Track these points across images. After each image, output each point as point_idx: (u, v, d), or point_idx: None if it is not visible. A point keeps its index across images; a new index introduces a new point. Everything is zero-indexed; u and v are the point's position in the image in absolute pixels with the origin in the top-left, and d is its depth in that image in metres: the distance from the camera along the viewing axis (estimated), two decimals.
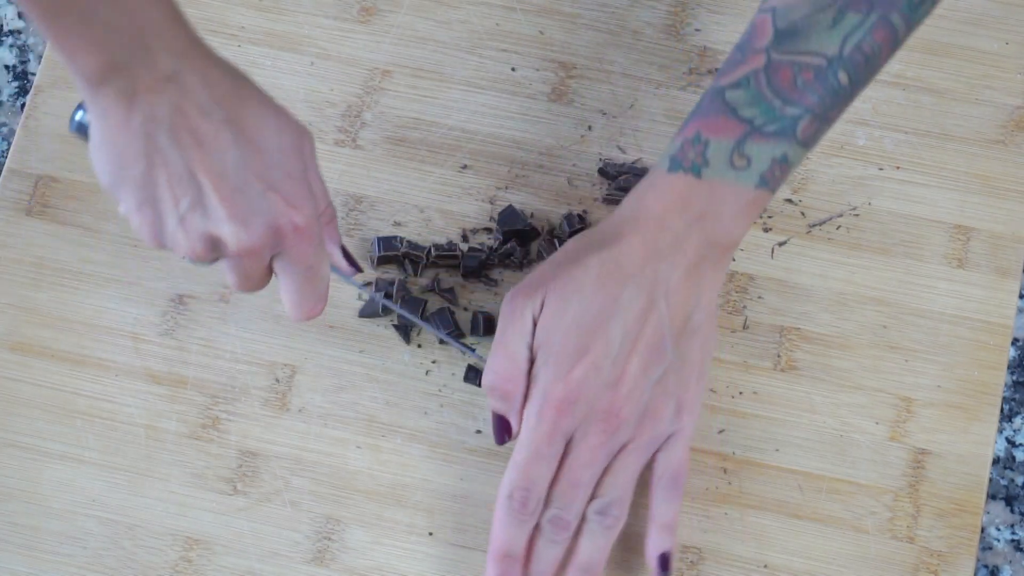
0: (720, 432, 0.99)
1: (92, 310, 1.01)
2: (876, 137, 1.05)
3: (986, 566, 0.98)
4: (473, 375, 0.99)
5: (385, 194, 1.04)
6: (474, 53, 1.07)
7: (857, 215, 1.03)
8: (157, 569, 0.96)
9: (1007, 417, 1.01)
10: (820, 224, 1.03)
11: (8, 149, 1.06)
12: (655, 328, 0.92)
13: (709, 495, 0.98)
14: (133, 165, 0.85)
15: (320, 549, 0.97)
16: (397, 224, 1.03)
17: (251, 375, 1.00)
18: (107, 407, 0.99)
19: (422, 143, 1.05)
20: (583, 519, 0.94)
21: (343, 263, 0.94)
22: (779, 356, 1.00)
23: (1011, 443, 1.01)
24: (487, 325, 1.00)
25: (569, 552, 0.94)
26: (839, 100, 0.92)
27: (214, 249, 0.88)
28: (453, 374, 1.00)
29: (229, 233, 0.86)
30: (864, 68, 0.92)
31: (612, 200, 1.03)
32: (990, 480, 0.99)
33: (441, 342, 1.00)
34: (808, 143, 0.93)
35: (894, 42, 0.92)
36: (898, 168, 1.04)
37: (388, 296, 1.00)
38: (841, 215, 1.03)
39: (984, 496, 0.98)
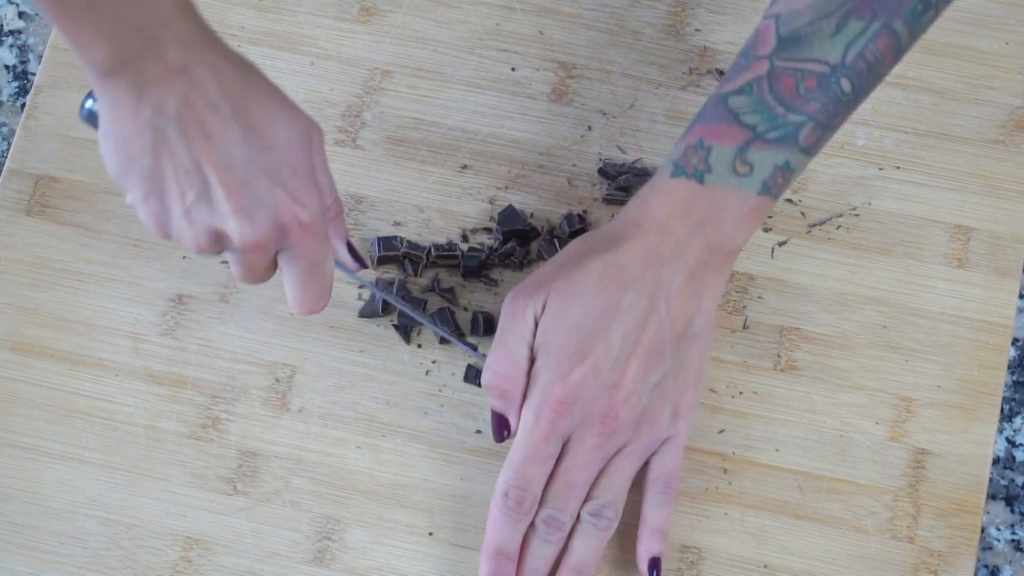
0: (720, 432, 0.99)
1: (92, 310, 1.01)
2: (876, 137, 1.05)
3: (986, 566, 0.98)
4: (473, 375, 0.99)
5: (385, 194, 1.04)
6: (474, 53, 1.07)
7: (857, 215, 1.03)
8: (157, 569, 0.96)
9: (1007, 417, 1.01)
10: (820, 224, 1.03)
11: (8, 149, 1.06)
12: (655, 333, 0.93)
13: (709, 495, 0.98)
14: (140, 156, 0.85)
15: (320, 549, 0.97)
16: (397, 224, 1.03)
17: (251, 375, 1.00)
18: (107, 407, 0.99)
19: (422, 143, 1.05)
20: (577, 520, 0.94)
21: (348, 259, 0.94)
22: (779, 356, 1.00)
23: (1011, 443, 1.01)
24: (487, 325, 1.00)
25: (561, 552, 0.94)
26: (842, 108, 0.92)
27: (219, 242, 0.88)
28: (453, 374, 1.00)
29: (234, 228, 0.86)
30: (867, 76, 0.92)
31: (612, 200, 1.03)
32: (990, 480, 0.99)
33: (441, 341, 1.00)
34: (811, 150, 0.93)
35: (897, 50, 0.92)
36: (898, 168, 1.04)
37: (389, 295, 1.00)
38: (841, 215, 1.03)
39: (984, 496, 0.98)
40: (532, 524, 0.94)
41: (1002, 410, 1.01)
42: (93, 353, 1.00)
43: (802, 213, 1.03)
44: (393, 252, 1.01)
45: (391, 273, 1.02)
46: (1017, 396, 1.01)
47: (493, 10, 1.07)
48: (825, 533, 0.97)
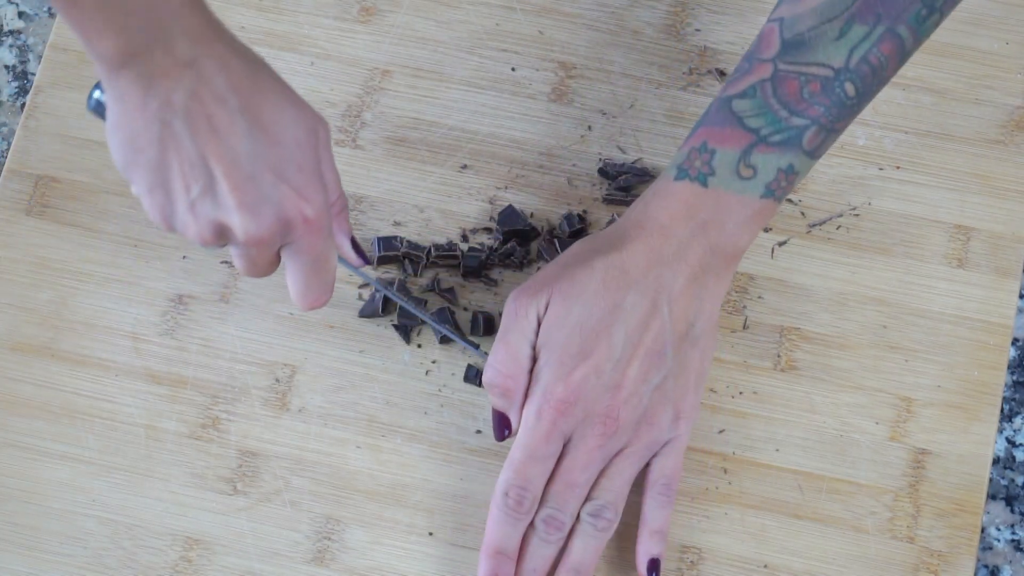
0: (720, 432, 0.99)
1: (92, 310, 1.01)
2: (876, 137, 1.05)
3: (986, 566, 0.98)
4: (473, 375, 0.99)
5: (385, 194, 1.04)
6: (474, 53, 1.07)
7: (857, 215, 1.03)
8: (157, 569, 0.96)
9: (1007, 417, 1.01)
10: (820, 224, 1.03)
11: (8, 149, 1.06)
12: (657, 334, 0.93)
13: (709, 495, 0.98)
14: (147, 149, 0.85)
15: (320, 549, 0.97)
16: (397, 224, 1.03)
17: (251, 375, 1.00)
18: (107, 407, 0.99)
19: (422, 143, 1.05)
20: (577, 520, 0.94)
21: (352, 254, 0.94)
22: (779, 356, 1.00)
23: (1011, 443, 1.01)
24: (487, 325, 1.00)
25: (561, 552, 0.94)
26: (845, 111, 0.92)
27: (222, 236, 0.88)
28: (453, 374, 1.00)
29: (238, 222, 0.86)
30: (871, 79, 0.92)
31: (612, 200, 1.03)
32: (990, 480, 0.99)
33: (442, 341, 1.00)
34: (814, 154, 0.93)
35: (901, 54, 0.92)
36: (898, 168, 1.04)
37: (388, 296, 1.00)
38: (841, 215, 1.03)
39: (984, 496, 0.97)
40: (532, 523, 0.94)
41: (1002, 410, 1.01)
42: (93, 353, 1.00)
43: (802, 213, 1.03)
44: (393, 252, 1.01)
45: (391, 273, 1.02)
46: (1017, 396, 1.01)
47: (493, 10, 1.07)
48: (825, 533, 0.97)
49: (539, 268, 1.02)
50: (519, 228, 1.02)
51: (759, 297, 1.01)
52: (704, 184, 0.93)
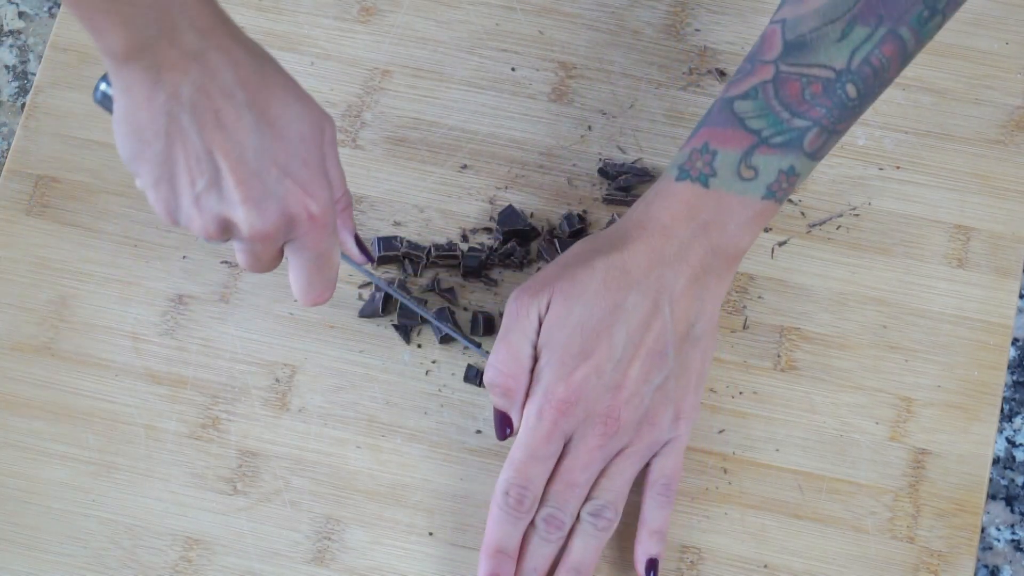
0: (720, 432, 0.99)
1: (92, 310, 1.01)
2: (876, 137, 1.05)
3: (986, 566, 0.98)
4: (473, 375, 0.99)
5: (385, 194, 1.04)
6: (474, 53, 1.07)
7: (857, 215, 1.03)
8: (157, 569, 0.96)
9: (1007, 417, 1.01)
10: (820, 224, 1.03)
11: (8, 149, 1.06)
12: (658, 334, 0.93)
13: (709, 495, 0.98)
14: (153, 142, 0.85)
15: (320, 549, 0.97)
16: (397, 224, 1.03)
17: (251, 375, 1.00)
18: (107, 407, 0.99)
19: (422, 143, 1.05)
20: (577, 519, 0.94)
21: (355, 251, 0.94)
22: (779, 356, 1.00)
23: (1011, 443, 1.01)
24: (487, 325, 1.00)
25: (560, 551, 0.94)
26: (847, 113, 0.92)
27: (227, 231, 0.88)
28: (453, 374, 1.00)
29: (242, 217, 0.86)
30: (873, 81, 0.92)
31: (612, 200, 1.03)
32: (990, 480, 0.99)
33: (442, 340, 1.00)
34: (816, 155, 0.93)
35: (903, 56, 0.92)
36: (898, 168, 1.04)
37: (388, 297, 1.00)
38: (841, 215, 1.03)
39: (984, 496, 0.98)
40: (532, 523, 0.94)
41: (1002, 410, 1.01)
42: (93, 353, 1.00)
43: (802, 213, 1.03)
44: (393, 252, 1.01)
45: (391, 273, 1.02)
46: (1017, 396, 1.01)
47: (493, 10, 1.07)
48: (825, 533, 0.97)
49: (539, 268, 1.02)
50: (519, 228, 1.02)
51: (759, 297, 1.01)
52: (705, 185, 0.93)
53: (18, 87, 1.08)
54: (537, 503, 0.93)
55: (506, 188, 1.04)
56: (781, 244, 1.03)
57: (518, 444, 0.93)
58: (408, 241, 1.02)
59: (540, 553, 0.94)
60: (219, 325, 1.01)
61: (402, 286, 1.01)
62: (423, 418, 0.99)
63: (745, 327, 1.01)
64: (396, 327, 1.00)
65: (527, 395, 0.93)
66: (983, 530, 0.98)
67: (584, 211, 1.03)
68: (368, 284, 1.02)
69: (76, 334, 1.01)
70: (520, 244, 1.02)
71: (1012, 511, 0.99)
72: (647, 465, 0.95)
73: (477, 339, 1.00)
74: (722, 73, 1.06)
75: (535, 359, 0.93)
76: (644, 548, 0.95)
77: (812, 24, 0.92)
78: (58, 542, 0.97)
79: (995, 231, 1.02)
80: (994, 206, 1.03)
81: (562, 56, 1.06)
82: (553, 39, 1.07)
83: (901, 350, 1.00)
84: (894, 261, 1.02)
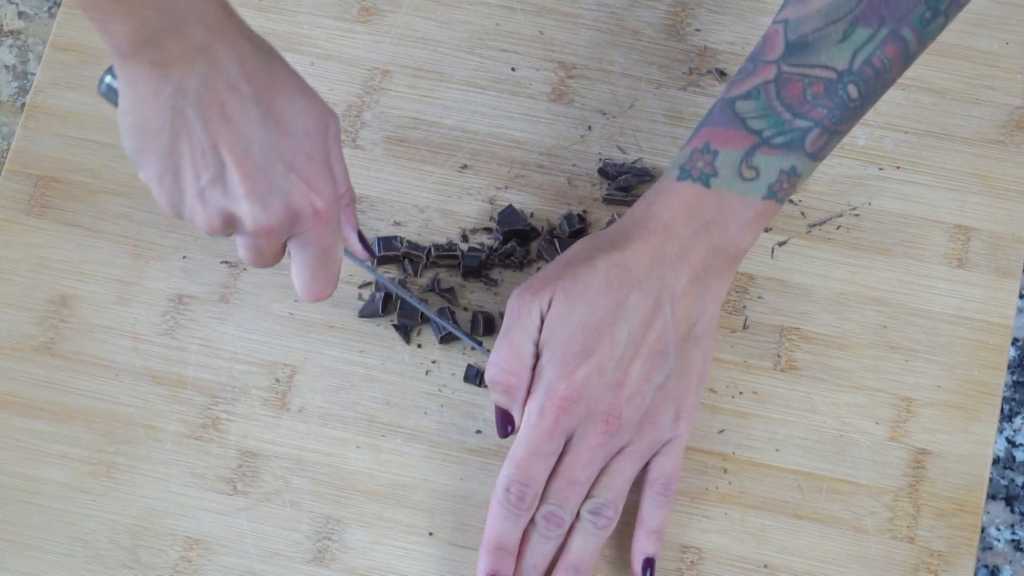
0: (720, 432, 0.99)
1: (92, 310, 1.01)
2: (876, 137, 1.05)
3: (986, 566, 0.98)
4: (473, 375, 0.99)
5: (385, 194, 1.04)
6: (474, 53, 1.07)
7: (857, 215, 1.03)
8: (157, 569, 0.96)
9: (1007, 417, 1.01)
10: (820, 224, 1.03)
11: (8, 149, 1.06)
12: (660, 333, 0.93)
13: (709, 495, 0.98)
14: (158, 135, 0.85)
15: (320, 549, 0.97)
16: (397, 224, 1.03)
17: (251, 375, 1.00)
18: (107, 407, 0.99)
19: (422, 143, 1.05)
20: (576, 518, 0.94)
21: (359, 247, 0.94)
22: (779, 356, 1.00)
23: (1011, 443, 1.01)
24: (487, 325, 1.00)
25: (559, 550, 0.94)
26: (849, 114, 0.92)
27: (230, 225, 0.88)
28: (453, 374, 1.00)
29: (247, 211, 0.86)
30: (874, 82, 0.92)
31: (612, 200, 1.03)
32: (990, 480, 0.99)
33: (442, 341, 1.00)
34: (817, 156, 0.93)
35: (905, 57, 0.92)
36: (898, 168, 1.04)
37: (388, 297, 1.00)
38: (841, 215, 1.03)
39: (984, 496, 0.98)
40: (532, 520, 0.94)
41: (1002, 410, 1.01)
42: (93, 353, 1.00)
43: (802, 213, 1.03)
44: (393, 252, 1.01)
45: (391, 273, 1.02)
46: (1017, 396, 1.01)
47: (493, 10, 1.07)
48: (825, 533, 0.97)
49: (539, 268, 1.02)
50: (519, 228, 1.02)
51: (759, 297, 1.01)
52: (707, 185, 0.93)
53: (18, 87, 1.08)
54: (538, 500, 0.93)
55: (506, 188, 1.04)
56: (781, 244, 1.03)
57: (519, 441, 0.93)
58: (408, 241, 1.02)
59: (540, 550, 0.94)
60: (219, 325, 1.01)
61: (402, 286, 1.01)
62: (423, 418, 0.99)
63: (745, 327, 1.01)
64: (396, 327, 1.00)
65: (528, 393, 0.93)
66: (983, 530, 0.98)
67: (584, 211, 1.03)
68: (368, 284, 1.02)
69: (76, 334, 1.01)
70: (520, 244, 1.02)
71: (1012, 511, 0.99)
72: (646, 465, 0.95)
73: (478, 338, 1.00)
74: (722, 73, 1.06)
75: (537, 357, 0.93)
76: (641, 547, 0.95)
77: (814, 24, 0.92)
78: (58, 542, 0.97)
79: (995, 231, 1.02)
80: (994, 206, 1.03)
81: (562, 56, 1.06)
82: (553, 39, 1.07)
83: (901, 350, 1.00)
84: (894, 261, 1.02)
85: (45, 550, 0.97)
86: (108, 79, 0.92)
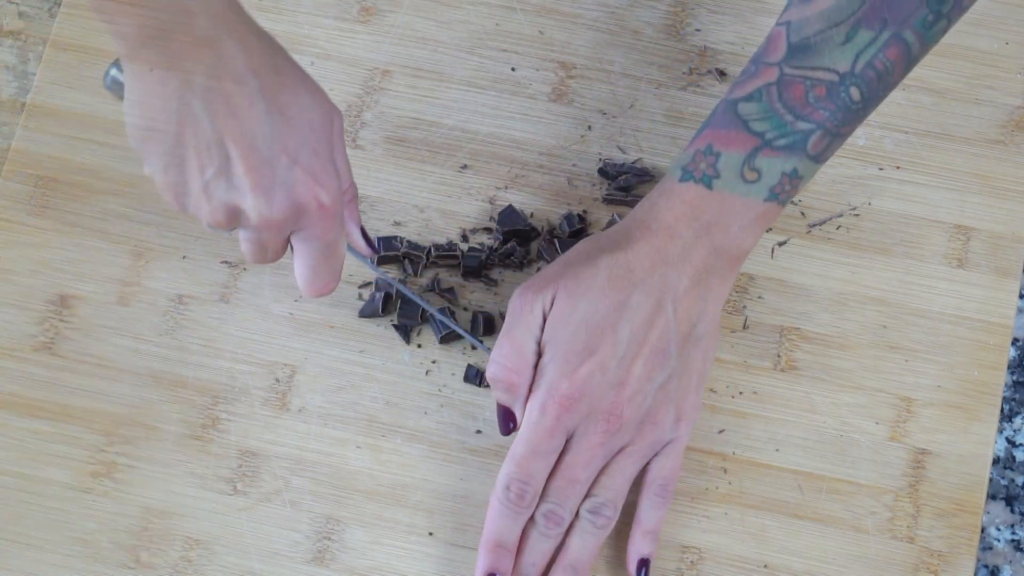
0: (720, 432, 0.99)
1: (92, 310, 1.01)
2: (876, 137, 1.05)
3: (986, 566, 0.98)
4: (473, 375, 0.99)
5: (385, 194, 1.04)
6: (474, 53, 1.07)
7: (857, 215, 1.03)
8: (157, 569, 0.96)
9: (1007, 417, 1.01)
10: (820, 224, 1.03)
11: (8, 149, 1.06)
12: (662, 333, 0.93)
13: (709, 495, 0.98)
14: (164, 128, 0.85)
15: (320, 549, 0.97)
16: (397, 224, 1.03)
17: (251, 375, 1.00)
18: (107, 407, 0.99)
19: (422, 143, 1.05)
20: (576, 516, 0.94)
21: (361, 243, 0.94)
22: (779, 356, 1.00)
23: (1011, 443, 1.01)
24: (487, 325, 1.00)
25: (558, 549, 0.94)
26: (851, 116, 0.92)
27: (234, 219, 0.88)
28: (453, 374, 1.00)
29: (251, 205, 0.86)
30: (876, 84, 0.92)
31: (612, 200, 1.03)
32: (990, 480, 0.99)
33: (442, 341, 1.00)
34: (819, 158, 0.93)
35: (907, 59, 0.92)
36: (898, 168, 1.04)
37: (388, 297, 1.00)
38: (841, 215, 1.03)
39: (984, 496, 0.98)
40: (531, 518, 0.94)
41: (1002, 410, 1.01)
42: (93, 353, 1.00)
43: (802, 213, 1.03)
44: (393, 252, 1.01)
45: (391, 273, 1.02)
46: (1017, 396, 1.01)
47: (493, 10, 1.07)
48: (825, 533, 0.97)
49: (539, 268, 1.02)
50: (519, 228, 1.02)
51: (759, 297, 1.01)
52: (709, 186, 0.93)
53: (18, 87, 1.08)
54: (537, 498, 0.93)
55: (506, 188, 1.04)
56: (781, 244, 1.03)
57: (520, 439, 0.93)
58: (408, 241, 1.02)
59: (539, 549, 0.94)
60: (219, 325, 1.01)
61: (402, 285, 1.01)
62: (423, 418, 0.99)
63: (745, 327, 1.01)
64: (396, 327, 1.00)
65: (530, 391, 0.93)
66: (983, 530, 0.98)
67: (584, 211, 1.03)
68: (368, 284, 1.02)
69: (76, 334, 1.01)
70: (520, 244, 1.02)
71: (1012, 511, 0.99)
72: (646, 465, 0.95)
73: (479, 337, 1.00)
74: (722, 73, 1.06)
75: (538, 355, 0.93)
76: (636, 548, 0.95)
77: (817, 27, 0.92)
78: (58, 542, 0.97)
79: (995, 231, 1.02)
80: (994, 206, 1.03)
81: (562, 56, 1.06)
82: (553, 39, 1.07)
83: (901, 350, 1.00)
84: (894, 261, 1.02)
85: (45, 550, 0.97)
86: (113, 72, 0.92)
